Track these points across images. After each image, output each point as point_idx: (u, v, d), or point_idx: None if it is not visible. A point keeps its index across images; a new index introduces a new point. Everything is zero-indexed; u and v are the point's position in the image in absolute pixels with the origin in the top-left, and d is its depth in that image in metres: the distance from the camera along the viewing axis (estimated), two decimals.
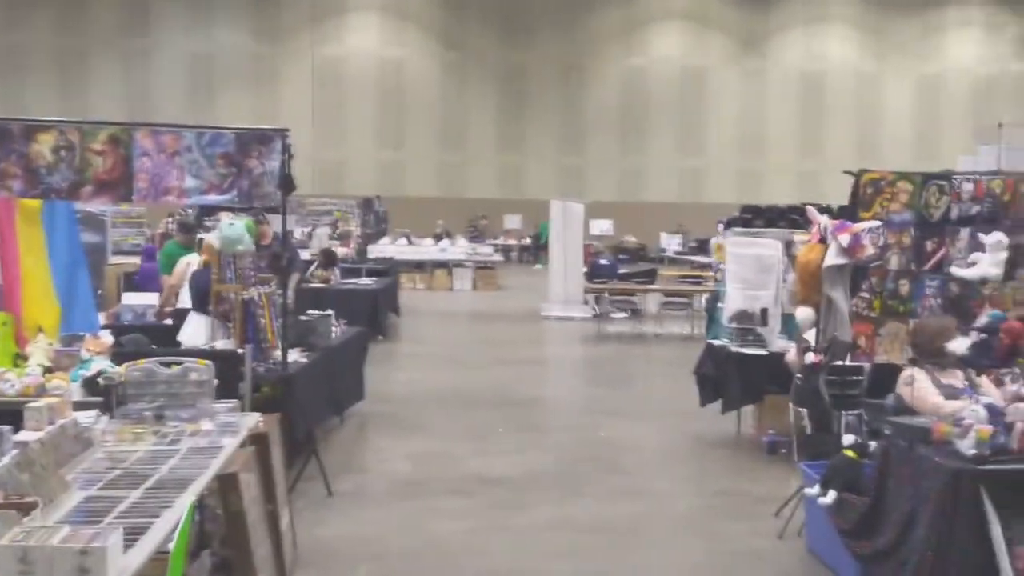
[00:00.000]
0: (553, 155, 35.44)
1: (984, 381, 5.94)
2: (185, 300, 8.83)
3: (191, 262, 8.98)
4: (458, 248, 25.86)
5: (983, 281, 6.54)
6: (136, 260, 13.73)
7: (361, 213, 26.24)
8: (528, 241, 34.01)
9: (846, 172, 6.70)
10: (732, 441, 9.04)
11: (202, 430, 4.74)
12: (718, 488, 7.62)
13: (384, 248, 24.42)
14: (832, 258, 6.31)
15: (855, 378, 6.73)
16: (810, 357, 6.66)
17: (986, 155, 9.32)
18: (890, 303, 6.66)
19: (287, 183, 6.66)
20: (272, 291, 7.52)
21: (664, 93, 35.61)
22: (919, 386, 5.74)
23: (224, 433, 4.72)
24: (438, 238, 27.00)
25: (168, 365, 5.18)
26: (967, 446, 4.87)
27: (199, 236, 10.31)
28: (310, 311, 9.13)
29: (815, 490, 5.77)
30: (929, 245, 6.72)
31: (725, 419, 9.15)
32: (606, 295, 17.28)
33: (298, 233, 21.78)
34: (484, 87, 35.31)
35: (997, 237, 6.47)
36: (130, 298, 10.27)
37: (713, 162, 35.91)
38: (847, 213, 6.68)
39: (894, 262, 6.66)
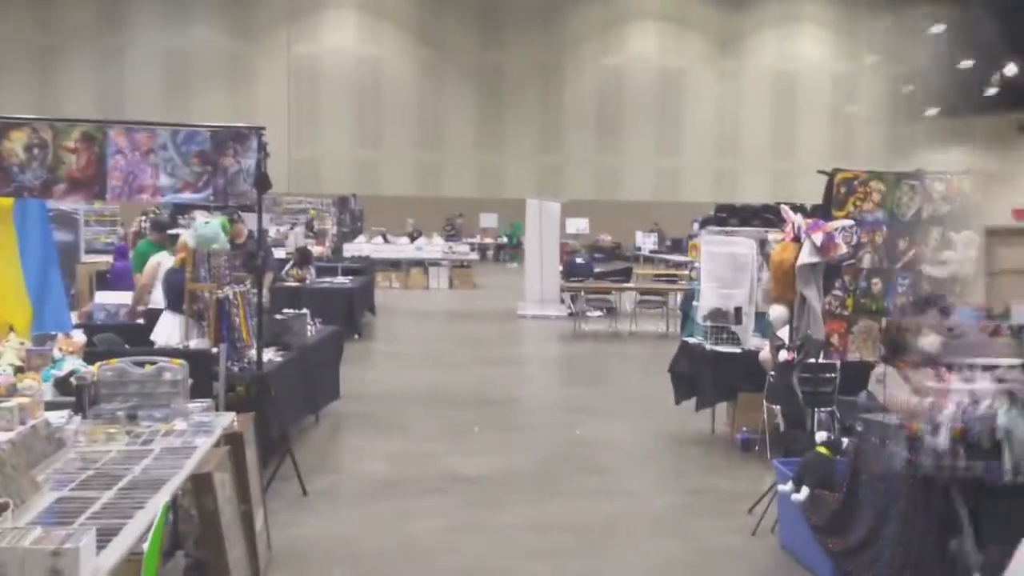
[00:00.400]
0: (531, 154, 35.48)
1: (955, 379, 5.99)
2: (157, 300, 8.77)
3: (162, 261, 8.92)
4: (434, 247, 25.83)
5: (954, 279, 6.60)
6: (109, 259, 13.62)
7: (337, 212, 26.15)
8: (504, 240, 34.03)
9: (820, 172, 6.76)
10: (706, 439, 9.09)
11: (176, 430, 4.71)
12: (692, 486, 7.65)
13: (360, 247, 24.36)
14: (806, 257, 6.36)
15: (828, 375, 6.78)
16: (784, 355, 6.70)
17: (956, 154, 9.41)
18: (863, 301, 6.72)
19: (263, 181, 6.64)
20: (247, 290, 7.49)
21: (641, 92, 35.71)
22: (891, 383, 5.79)
23: (198, 433, 4.70)
24: (411, 237, 26.94)
25: (141, 365, 5.15)
26: (939, 444, 4.91)
27: (171, 233, 10.19)
28: (285, 310, 9.10)
29: (788, 487, 5.81)
30: (901, 244, 6.78)
31: (699, 417, 9.19)
32: (582, 294, 17.32)
33: (273, 232, 21.68)
34: (462, 86, 35.28)
35: (968, 235, 6.54)
36: (103, 297, 10.19)
37: (689, 161, 36.05)
38: (821, 212, 6.73)
39: (867, 260, 6.72)
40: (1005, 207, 33.39)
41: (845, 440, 5.84)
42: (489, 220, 34.12)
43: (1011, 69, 26.79)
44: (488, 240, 34.16)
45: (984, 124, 32.79)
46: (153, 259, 9.17)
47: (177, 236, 9.52)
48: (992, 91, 29.15)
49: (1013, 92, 29.11)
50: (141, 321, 8.90)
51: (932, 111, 34.23)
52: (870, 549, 5.13)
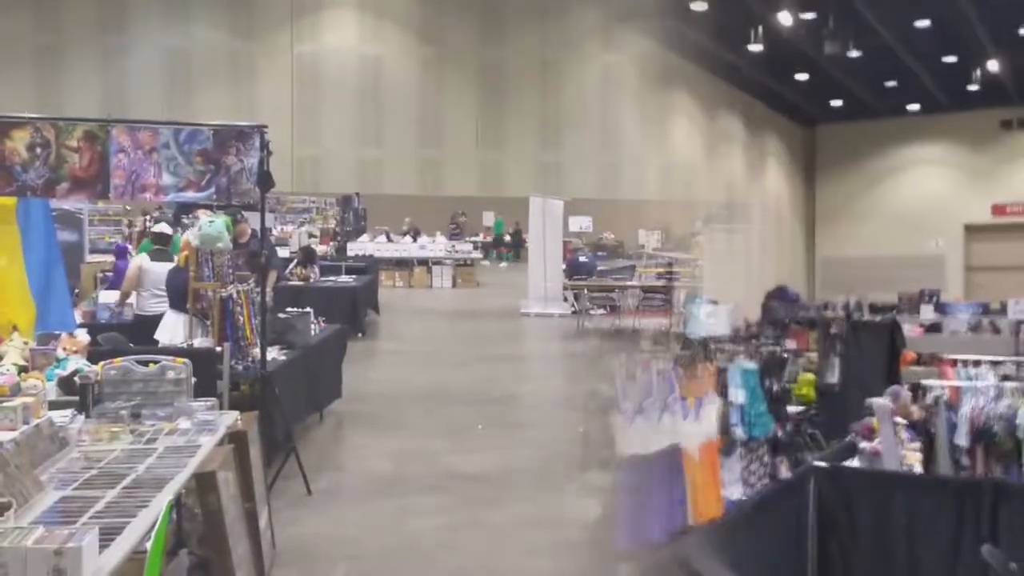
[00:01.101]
0: (532, 151, 35.39)
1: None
2: (143, 304, 8.76)
3: (142, 264, 8.88)
4: (437, 245, 25.82)
5: None
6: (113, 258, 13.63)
7: (340, 211, 26.13)
8: (508, 238, 33.95)
9: None
10: None
11: (179, 429, 4.71)
12: None
13: (364, 246, 24.35)
14: None
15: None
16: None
17: None
18: None
19: (265, 180, 6.64)
20: (250, 289, 7.49)
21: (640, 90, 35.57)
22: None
23: (202, 431, 4.70)
24: (412, 236, 26.87)
25: (145, 364, 5.15)
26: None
27: (156, 231, 10.02)
28: (289, 309, 9.10)
29: None
30: None
31: None
32: (585, 291, 17.30)
33: (277, 231, 21.71)
34: (463, 83, 35.23)
35: None
36: (106, 296, 10.19)
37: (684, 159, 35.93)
38: None
39: None
40: (985, 204, 33.45)
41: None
42: (491, 219, 34.04)
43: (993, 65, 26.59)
44: (490, 238, 34.06)
45: (967, 120, 32.80)
46: (133, 263, 9.10)
47: (163, 235, 9.44)
48: (974, 87, 28.98)
49: (996, 89, 29.00)
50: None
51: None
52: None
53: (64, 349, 6.04)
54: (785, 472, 5.22)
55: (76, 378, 5.23)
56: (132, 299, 9.19)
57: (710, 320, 9.04)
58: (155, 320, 8.38)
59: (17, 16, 32.66)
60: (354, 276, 16.80)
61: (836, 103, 33.61)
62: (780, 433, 5.23)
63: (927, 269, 30.07)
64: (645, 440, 4.04)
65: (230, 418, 5.10)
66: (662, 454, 4.15)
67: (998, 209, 32.76)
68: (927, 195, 33.98)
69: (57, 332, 6.56)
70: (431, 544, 6.21)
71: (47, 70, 32.76)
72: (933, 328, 8.69)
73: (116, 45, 33.30)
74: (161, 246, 9.27)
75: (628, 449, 3.96)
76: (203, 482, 4.31)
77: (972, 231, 33.32)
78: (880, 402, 5.84)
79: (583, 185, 34.09)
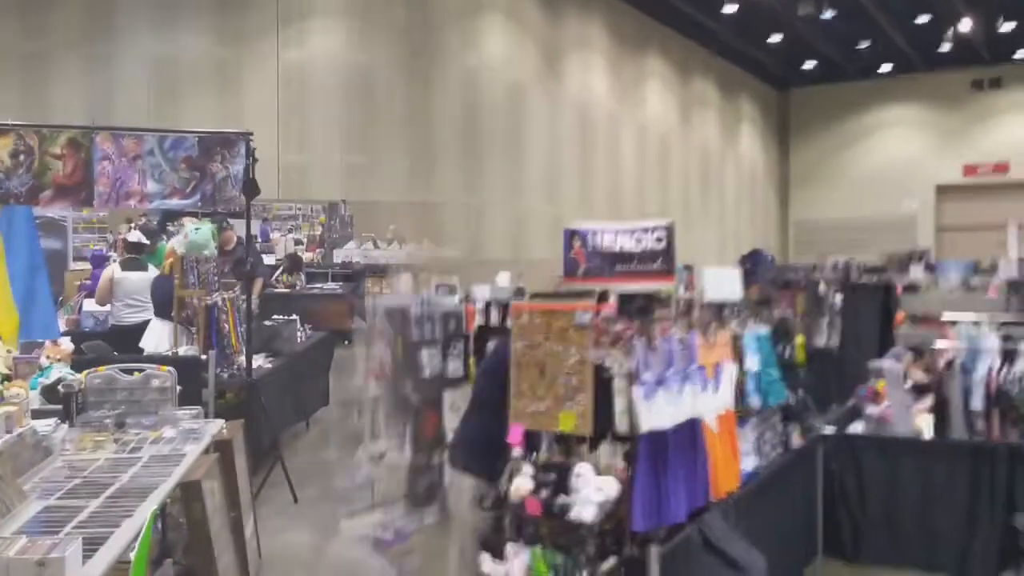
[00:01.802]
0: (515, 159, 35.30)
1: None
2: (120, 315, 8.72)
3: (112, 275, 8.82)
4: (424, 251, 25.70)
5: None
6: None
7: (327, 217, 26.06)
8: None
9: None
10: None
11: (164, 437, 4.68)
12: None
13: (350, 252, 24.28)
14: None
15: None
16: None
17: None
18: None
19: (251, 187, 6.62)
20: (236, 296, 7.46)
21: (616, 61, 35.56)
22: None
23: (187, 440, 4.67)
24: (398, 244, 26.74)
25: (130, 372, 5.12)
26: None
27: (131, 241, 9.94)
28: (275, 316, 9.06)
29: None
30: None
31: None
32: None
33: (271, 237, 21.65)
34: (449, 90, 35.16)
35: None
36: (90, 304, 10.12)
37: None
38: None
39: None
40: (956, 164, 33.64)
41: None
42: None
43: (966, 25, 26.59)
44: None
45: (938, 81, 32.93)
46: (105, 273, 9.03)
47: (137, 244, 9.36)
48: (946, 47, 28.97)
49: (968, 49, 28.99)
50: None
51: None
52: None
53: (48, 357, 6.01)
54: (798, 440, 5.08)
55: (60, 386, 5.19)
56: (108, 309, 9.13)
57: (722, 284, 8.96)
58: (131, 330, 8.30)
59: (2, 24, 32.47)
60: (341, 283, 16.75)
61: (809, 65, 33.54)
62: (793, 400, 5.07)
63: (900, 230, 30.20)
64: (666, 414, 3.81)
65: (215, 426, 5.07)
66: (683, 428, 3.95)
67: (969, 169, 32.87)
68: (899, 156, 34.03)
69: (41, 340, 6.52)
70: (421, 551, 6.17)
71: (33, 78, 32.53)
72: (910, 288, 8.68)
73: (102, 53, 32.99)
74: (134, 255, 9.14)
75: (647, 424, 3.72)
76: (188, 491, 4.28)
77: (944, 191, 33.43)
78: (890, 365, 5.65)
79: (568, 185, 34.06)
